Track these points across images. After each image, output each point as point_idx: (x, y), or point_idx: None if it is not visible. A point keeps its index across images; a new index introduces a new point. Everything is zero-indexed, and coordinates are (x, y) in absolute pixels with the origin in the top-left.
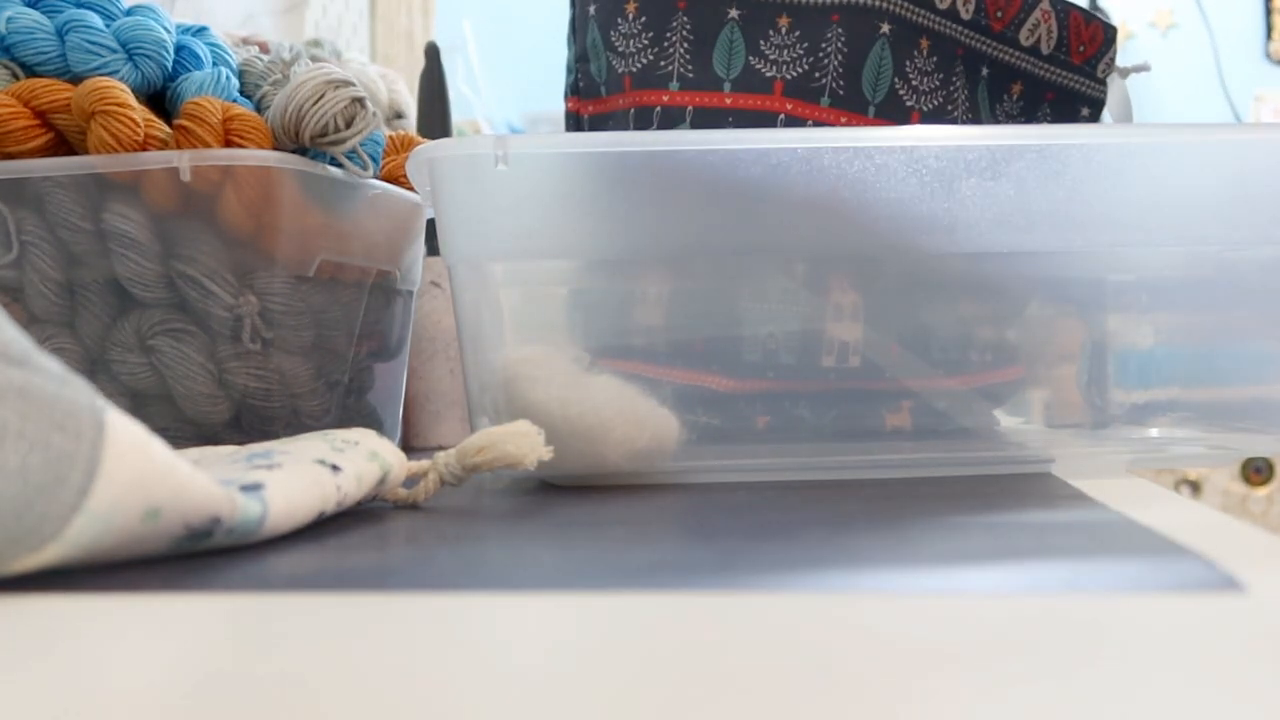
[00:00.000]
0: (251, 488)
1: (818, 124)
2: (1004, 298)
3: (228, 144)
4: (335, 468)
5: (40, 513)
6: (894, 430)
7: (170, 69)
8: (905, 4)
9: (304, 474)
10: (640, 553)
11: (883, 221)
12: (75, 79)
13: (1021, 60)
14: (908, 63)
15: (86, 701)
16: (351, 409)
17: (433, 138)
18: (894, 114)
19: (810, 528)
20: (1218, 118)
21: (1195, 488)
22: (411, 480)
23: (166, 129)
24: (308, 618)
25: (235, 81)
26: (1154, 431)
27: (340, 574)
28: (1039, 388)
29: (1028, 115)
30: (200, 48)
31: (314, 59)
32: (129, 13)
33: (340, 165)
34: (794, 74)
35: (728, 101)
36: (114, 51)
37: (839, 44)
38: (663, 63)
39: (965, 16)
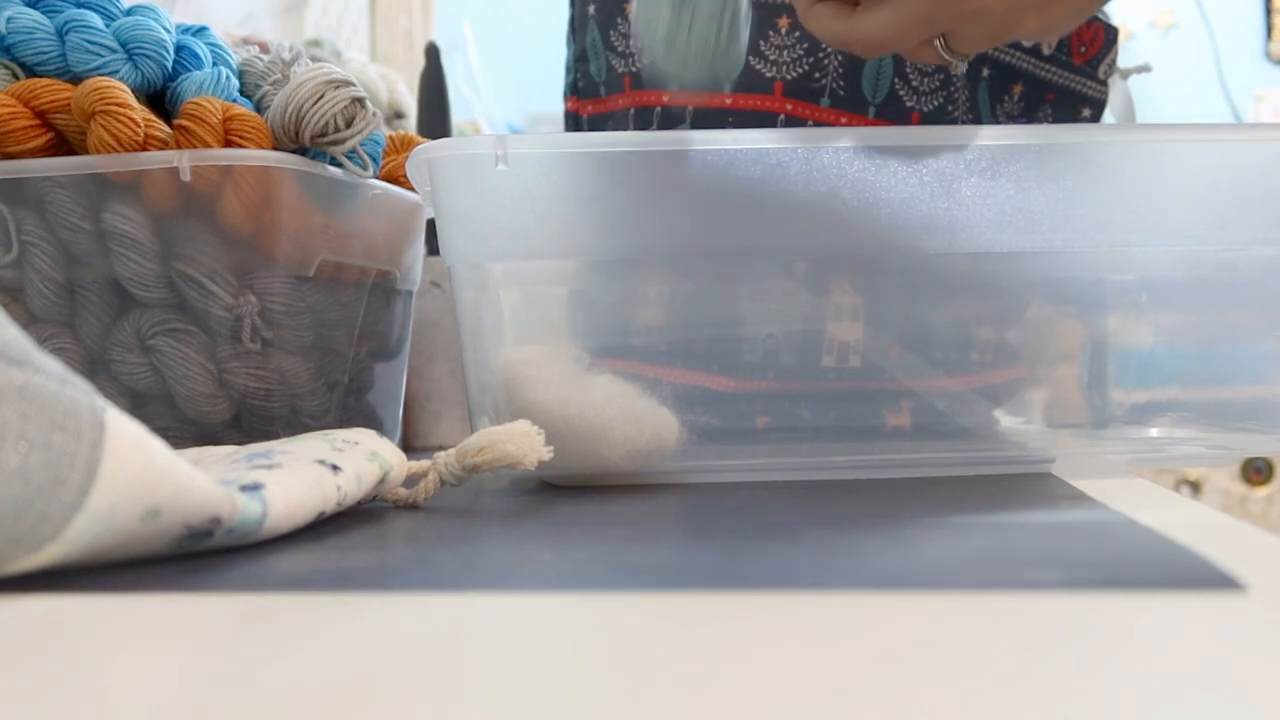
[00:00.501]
0: (251, 488)
1: (818, 124)
2: (1004, 298)
3: (228, 144)
4: (335, 468)
5: (40, 513)
6: (894, 430)
7: (170, 69)
8: None
9: (304, 474)
10: (640, 553)
11: (883, 221)
12: (75, 79)
13: (1022, 61)
14: (908, 63)
15: (86, 701)
16: (351, 409)
17: (433, 138)
18: (894, 114)
19: (810, 528)
20: (1218, 118)
21: (1195, 488)
22: (411, 480)
23: (166, 129)
24: (308, 618)
25: (235, 81)
26: (1154, 431)
27: (340, 574)
28: (1039, 388)
29: (1028, 116)
30: (200, 48)
31: (314, 59)
32: (129, 13)
33: (340, 165)
34: (794, 74)
35: (728, 101)
36: (114, 51)
37: None
38: None
39: None
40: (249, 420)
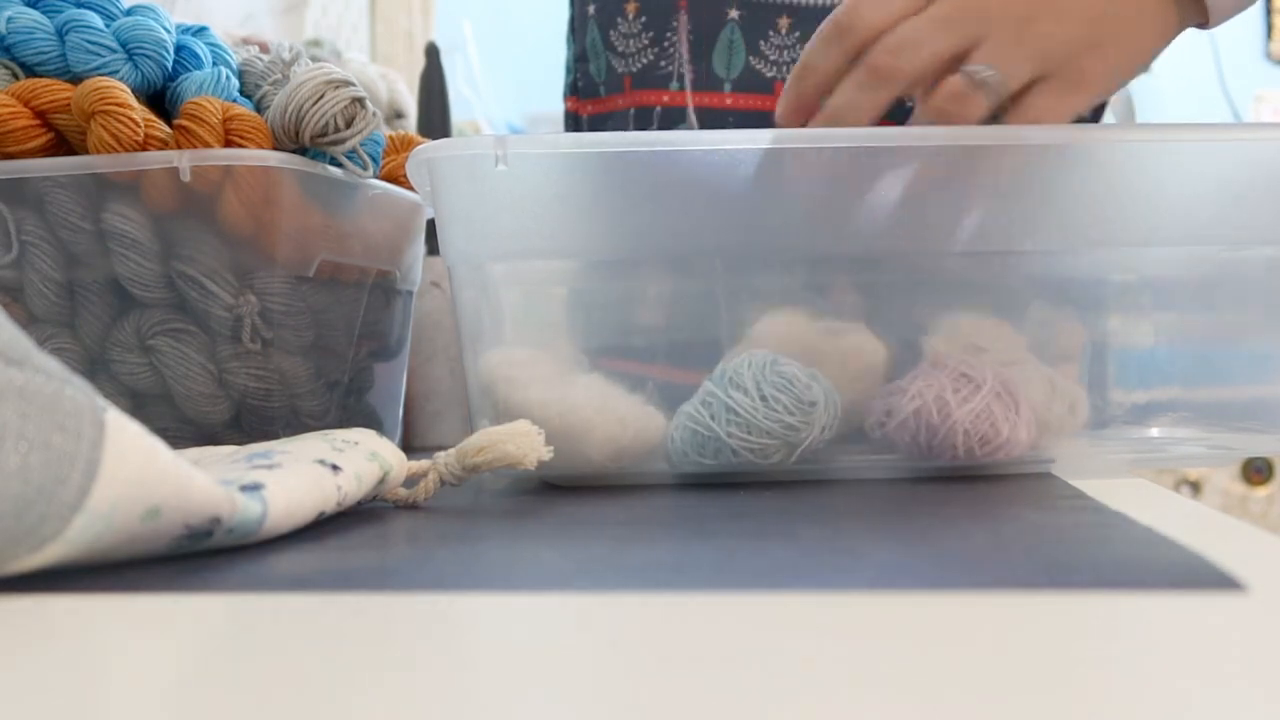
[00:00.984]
0: (251, 488)
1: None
2: (1004, 298)
3: (228, 144)
4: (335, 468)
5: (40, 512)
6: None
7: (170, 69)
8: None
9: (304, 474)
10: (640, 553)
11: (882, 221)
12: (75, 79)
13: None
14: None
15: (86, 701)
16: (351, 409)
17: (433, 138)
18: (894, 114)
19: (810, 528)
20: (1218, 118)
21: (1195, 488)
22: (411, 480)
23: (166, 129)
24: (308, 618)
25: (235, 81)
26: (1154, 431)
27: (340, 574)
28: None
29: None
30: (200, 48)
31: (314, 59)
32: (129, 13)
33: (340, 165)
34: None
35: (728, 102)
36: (114, 51)
37: None
38: (663, 63)
39: None
40: (249, 420)
